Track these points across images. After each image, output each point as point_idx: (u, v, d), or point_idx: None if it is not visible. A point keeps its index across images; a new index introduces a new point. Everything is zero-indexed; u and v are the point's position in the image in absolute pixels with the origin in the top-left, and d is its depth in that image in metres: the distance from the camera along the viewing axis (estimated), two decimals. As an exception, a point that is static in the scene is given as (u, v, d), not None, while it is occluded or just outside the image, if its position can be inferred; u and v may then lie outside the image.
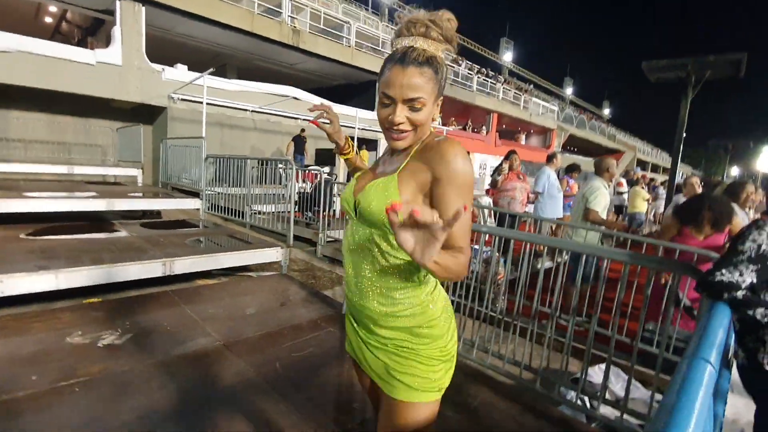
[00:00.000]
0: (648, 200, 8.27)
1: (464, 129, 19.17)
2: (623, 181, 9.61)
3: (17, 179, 6.06)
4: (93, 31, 11.34)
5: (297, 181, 5.82)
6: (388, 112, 0.85)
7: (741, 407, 2.01)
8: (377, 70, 0.89)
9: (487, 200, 6.78)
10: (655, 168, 37.18)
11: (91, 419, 1.62)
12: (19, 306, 2.67)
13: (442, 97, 0.89)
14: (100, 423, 1.60)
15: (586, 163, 16.10)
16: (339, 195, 5.88)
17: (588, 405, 2.15)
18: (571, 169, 6.84)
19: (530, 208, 5.65)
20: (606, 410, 2.08)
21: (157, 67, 9.00)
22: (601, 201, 3.64)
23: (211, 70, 7.51)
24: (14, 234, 3.67)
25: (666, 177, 18.78)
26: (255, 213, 5.89)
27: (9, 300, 2.58)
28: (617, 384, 2.41)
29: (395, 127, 0.85)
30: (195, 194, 6.21)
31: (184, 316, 2.67)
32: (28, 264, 2.79)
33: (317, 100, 12.04)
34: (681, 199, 4.43)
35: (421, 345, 0.92)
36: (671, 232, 2.96)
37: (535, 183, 5.47)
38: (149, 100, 8.88)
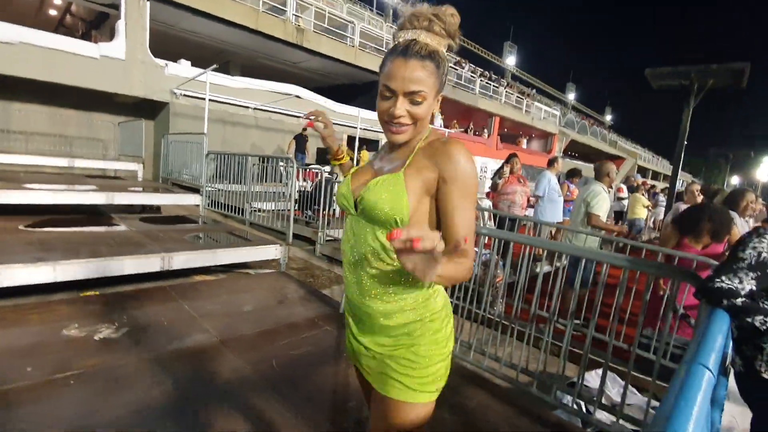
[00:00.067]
0: (648, 207, 8.28)
1: (466, 131, 19.19)
2: (624, 187, 9.61)
3: (18, 171, 6.06)
4: (97, 24, 11.32)
5: (297, 180, 5.81)
6: (389, 104, 0.85)
7: (737, 415, 2.01)
8: None
9: (487, 203, 6.77)
10: (655, 175, 37.20)
11: (86, 412, 1.61)
12: (17, 297, 2.66)
13: (442, 93, 0.89)
14: (95, 416, 1.59)
15: (587, 168, 16.10)
16: (339, 194, 5.85)
17: (584, 409, 2.15)
18: (572, 174, 6.83)
19: (530, 212, 5.65)
20: (602, 415, 2.08)
21: (161, 62, 8.98)
22: (603, 205, 3.62)
23: (215, 66, 7.51)
24: (13, 225, 3.67)
25: (666, 184, 18.78)
26: (255, 210, 5.90)
27: (6, 291, 2.57)
28: (614, 389, 2.41)
29: (395, 121, 0.85)
30: (195, 190, 6.21)
31: (182, 311, 2.66)
32: (27, 255, 2.78)
33: (320, 99, 12.05)
34: (681, 206, 4.44)
35: (421, 340, 0.91)
36: (671, 243, 2.96)
37: (535, 187, 5.46)
38: (152, 95, 8.87)
